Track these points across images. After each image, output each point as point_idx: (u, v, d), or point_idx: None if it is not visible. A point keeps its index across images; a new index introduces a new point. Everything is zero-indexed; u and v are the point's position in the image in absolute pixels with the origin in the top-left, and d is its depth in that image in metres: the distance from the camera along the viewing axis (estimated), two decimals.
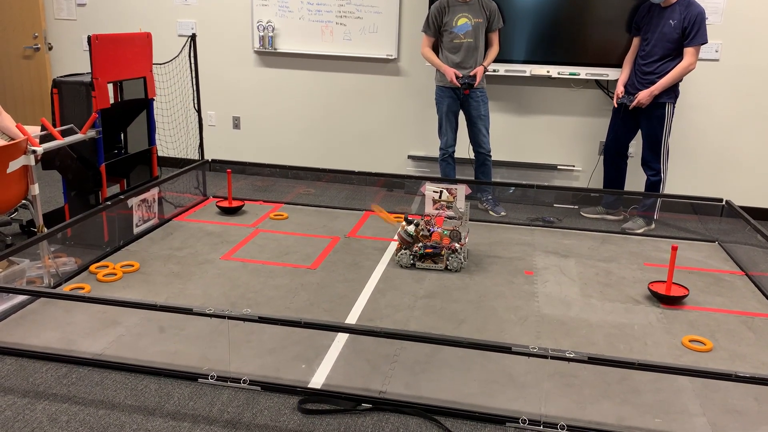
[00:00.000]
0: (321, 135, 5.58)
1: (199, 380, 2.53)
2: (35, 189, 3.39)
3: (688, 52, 4.19)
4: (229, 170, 4.66)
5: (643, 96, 4.30)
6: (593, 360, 2.25)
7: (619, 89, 4.50)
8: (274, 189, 5.32)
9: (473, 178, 4.84)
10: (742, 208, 4.31)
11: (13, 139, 3.76)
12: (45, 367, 2.60)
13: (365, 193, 5.28)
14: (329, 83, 5.45)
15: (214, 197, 4.89)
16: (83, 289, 3.27)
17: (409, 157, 5.42)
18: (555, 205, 5.05)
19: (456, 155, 4.78)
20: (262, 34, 5.37)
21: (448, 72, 4.49)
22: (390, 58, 5.25)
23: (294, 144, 5.63)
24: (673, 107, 4.36)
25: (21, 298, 3.06)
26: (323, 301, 3.25)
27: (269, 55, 5.47)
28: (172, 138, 5.54)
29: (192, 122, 5.52)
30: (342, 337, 2.85)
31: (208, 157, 5.30)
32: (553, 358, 2.25)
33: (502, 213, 4.78)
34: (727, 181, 4.96)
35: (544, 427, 2.31)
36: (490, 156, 4.73)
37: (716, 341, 2.98)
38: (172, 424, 2.26)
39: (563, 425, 2.31)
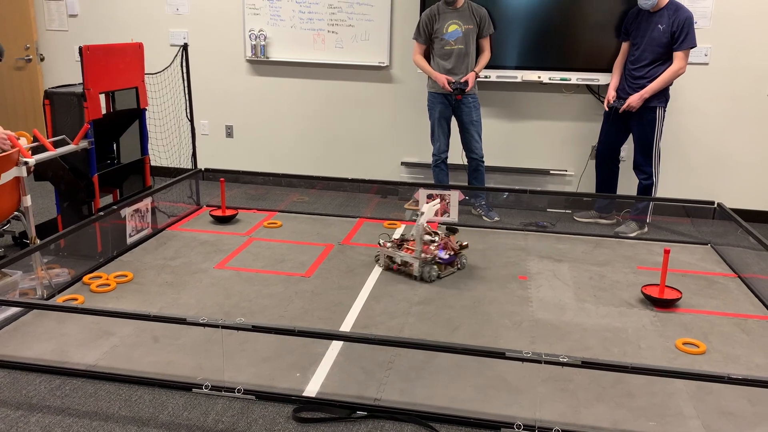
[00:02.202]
0: (314, 142, 5.58)
1: (193, 390, 2.52)
2: (27, 200, 3.38)
3: (678, 56, 4.22)
4: (222, 179, 4.66)
5: (634, 99, 4.32)
6: (587, 364, 2.26)
7: (611, 94, 4.52)
8: (268, 197, 5.31)
9: (466, 184, 4.85)
10: (734, 210, 4.33)
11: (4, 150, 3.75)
12: (38, 379, 2.58)
13: (359, 200, 5.28)
14: (322, 91, 5.46)
15: (207, 206, 4.88)
16: (76, 300, 3.26)
17: (403, 163, 5.43)
18: (548, 209, 5.06)
19: (449, 161, 4.80)
20: (254, 42, 5.38)
21: (440, 78, 4.51)
22: (382, 65, 5.27)
23: (287, 152, 5.64)
24: (664, 111, 4.38)
25: (14, 310, 3.04)
26: (318, 308, 3.25)
27: (261, 63, 5.48)
28: (165, 147, 5.53)
29: (185, 131, 5.51)
30: (336, 345, 2.85)
31: (201, 166, 5.30)
32: (546, 362, 2.25)
33: (496, 218, 4.79)
34: (718, 184, 4.99)
35: None
36: (483, 161, 4.74)
37: (709, 344, 2.99)
38: None
39: (558, 430, 2.31)
